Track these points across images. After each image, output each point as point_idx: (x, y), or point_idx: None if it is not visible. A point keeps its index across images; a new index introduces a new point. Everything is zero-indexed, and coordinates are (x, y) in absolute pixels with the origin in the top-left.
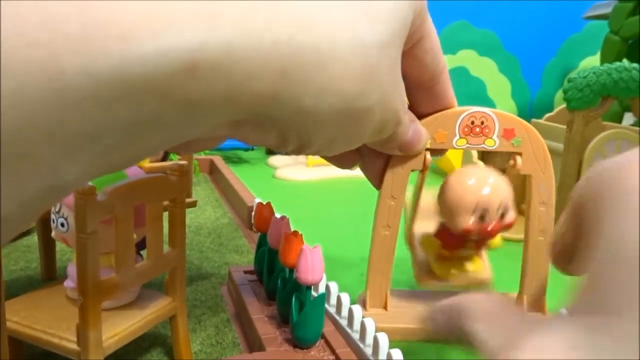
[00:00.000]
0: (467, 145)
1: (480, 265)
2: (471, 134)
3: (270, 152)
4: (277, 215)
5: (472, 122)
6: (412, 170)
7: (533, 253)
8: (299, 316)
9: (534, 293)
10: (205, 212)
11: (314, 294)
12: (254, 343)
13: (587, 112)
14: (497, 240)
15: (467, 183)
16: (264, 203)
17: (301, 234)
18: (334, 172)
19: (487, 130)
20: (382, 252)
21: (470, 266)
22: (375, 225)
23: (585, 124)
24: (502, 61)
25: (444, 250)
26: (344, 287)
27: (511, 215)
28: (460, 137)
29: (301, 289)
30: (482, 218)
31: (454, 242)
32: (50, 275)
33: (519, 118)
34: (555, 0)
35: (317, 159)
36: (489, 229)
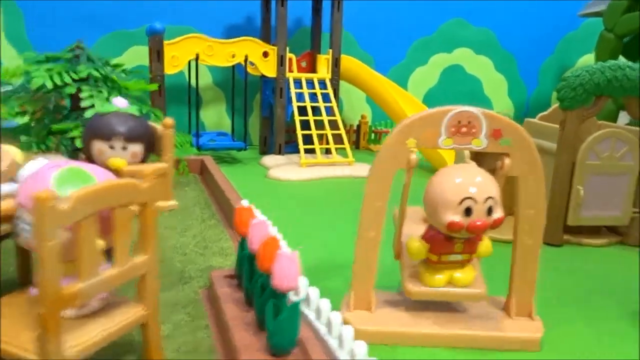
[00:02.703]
0: (454, 145)
1: (471, 274)
2: (458, 134)
3: (264, 152)
4: (257, 219)
5: (459, 122)
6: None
7: (521, 256)
8: (274, 323)
9: (522, 296)
10: (193, 213)
11: (294, 299)
12: (230, 350)
13: (581, 112)
14: (486, 247)
15: (453, 179)
16: (246, 206)
17: (279, 239)
18: (326, 172)
19: (474, 131)
20: (366, 253)
21: (460, 274)
22: (360, 226)
23: (579, 124)
24: (499, 59)
25: (432, 255)
26: (331, 289)
27: (499, 213)
28: (447, 137)
29: (278, 296)
30: (468, 213)
31: (442, 245)
32: (25, 280)
33: (508, 118)
34: None
35: (311, 158)
36: (477, 224)
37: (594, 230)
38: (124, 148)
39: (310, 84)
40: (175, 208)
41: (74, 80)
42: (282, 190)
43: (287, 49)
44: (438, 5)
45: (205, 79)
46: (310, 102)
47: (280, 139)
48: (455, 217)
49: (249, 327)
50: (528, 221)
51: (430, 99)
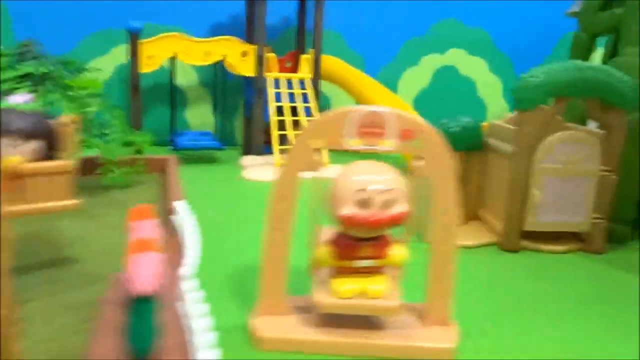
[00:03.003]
0: (362, 146)
1: (381, 282)
2: (367, 135)
3: (247, 151)
4: (138, 221)
5: (372, 122)
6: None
7: (437, 262)
8: (128, 327)
9: (438, 304)
10: None
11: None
12: (90, 355)
13: (539, 113)
14: (399, 255)
15: (350, 172)
16: (142, 206)
17: (152, 241)
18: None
19: (382, 131)
20: (273, 256)
21: (373, 285)
22: (266, 227)
23: (537, 126)
24: (494, 60)
25: (340, 261)
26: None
27: (400, 208)
28: (354, 137)
29: (137, 299)
30: (364, 206)
31: (347, 248)
32: None
33: (421, 120)
34: None
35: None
36: (373, 219)
37: (554, 236)
38: (17, 146)
39: (290, 84)
40: (74, 208)
41: (11, 77)
42: (250, 191)
43: (268, 48)
44: (430, 4)
45: (191, 78)
46: (289, 102)
47: (258, 139)
48: (350, 209)
49: (119, 332)
50: (442, 226)
51: (421, 101)
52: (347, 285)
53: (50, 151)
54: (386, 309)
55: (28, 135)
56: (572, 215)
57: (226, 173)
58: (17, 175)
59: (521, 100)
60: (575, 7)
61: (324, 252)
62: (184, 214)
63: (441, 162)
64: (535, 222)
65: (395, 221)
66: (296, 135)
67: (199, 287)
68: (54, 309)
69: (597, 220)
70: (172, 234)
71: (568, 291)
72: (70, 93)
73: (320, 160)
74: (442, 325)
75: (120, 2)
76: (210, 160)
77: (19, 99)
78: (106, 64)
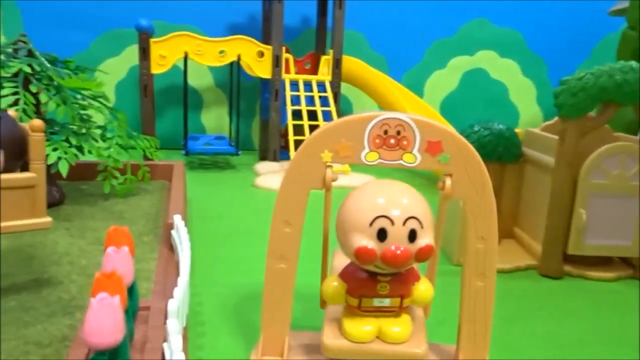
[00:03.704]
0: (380, 160)
1: (406, 327)
2: (384, 147)
3: (263, 157)
4: (112, 249)
5: (386, 132)
6: (312, 190)
7: (471, 302)
8: None
9: (472, 351)
10: (134, 225)
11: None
12: None
13: (584, 121)
14: (423, 291)
15: (366, 195)
16: (118, 229)
17: (118, 276)
18: None
19: (404, 143)
20: (277, 288)
21: (392, 327)
22: (268, 256)
23: (581, 135)
24: (527, 62)
25: (351, 298)
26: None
27: (426, 240)
28: (371, 150)
29: (94, 353)
30: (382, 237)
31: (362, 284)
32: None
33: (449, 128)
34: None
35: None
36: (394, 251)
37: (601, 261)
38: None
39: (309, 86)
40: (47, 227)
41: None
42: (261, 200)
43: (285, 48)
44: (459, 4)
45: (207, 80)
46: (307, 105)
47: (274, 144)
48: (365, 241)
49: None
50: (477, 258)
51: (448, 105)
52: (362, 327)
53: (15, 161)
54: (407, 355)
55: None
56: (621, 238)
57: (239, 180)
58: None
59: (564, 106)
60: (620, 4)
61: (336, 287)
62: (181, 231)
63: (476, 180)
64: (580, 245)
65: (420, 257)
66: (301, 146)
67: (196, 316)
68: (20, 346)
69: None
70: (172, 250)
71: (621, 326)
72: (64, 94)
73: (333, 177)
74: None
75: (133, 2)
76: (225, 166)
77: None
78: (119, 65)
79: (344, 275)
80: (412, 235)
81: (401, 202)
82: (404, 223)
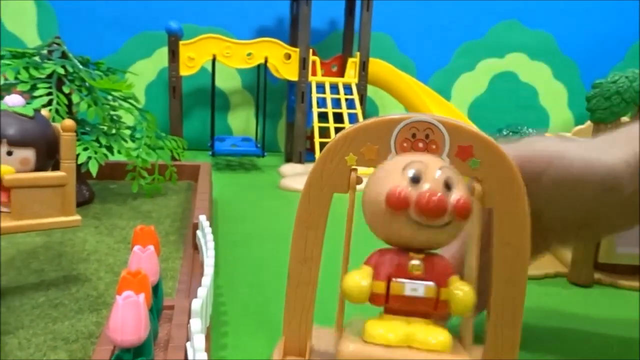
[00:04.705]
0: None
1: (446, 338)
2: (412, 151)
3: (288, 159)
4: (139, 248)
5: (414, 135)
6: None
7: (499, 311)
8: None
9: (501, 352)
10: (160, 225)
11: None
12: None
13: (616, 126)
14: (466, 295)
15: (394, 160)
16: (145, 228)
17: (145, 275)
18: None
19: (433, 147)
20: (299, 290)
21: (428, 332)
22: (291, 259)
23: None
24: (558, 66)
25: (378, 284)
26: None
27: (460, 195)
28: (398, 154)
29: (123, 350)
30: (416, 180)
31: (390, 259)
32: None
33: (480, 132)
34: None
35: None
36: (430, 196)
37: (632, 270)
38: (9, 153)
39: (335, 88)
40: (76, 225)
41: (35, 77)
42: (285, 201)
43: (312, 50)
44: (489, 5)
45: (234, 82)
46: (333, 108)
47: (300, 146)
48: (400, 182)
49: None
50: (507, 265)
51: (477, 109)
52: (388, 330)
53: (47, 160)
54: None
55: (21, 142)
56: None
57: (264, 181)
58: (4, 188)
59: (597, 110)
60: None
61: (359, 272)
62: (206, 231)
63: (507, 186)
64: (611, 253)
65: (458, 211)
66: (324, 149)
67: (219, 316)
68: (48, 342)
69: None
70: (197, 250)
71: None
72: (95, 95)
73: (357, 180)
74: None
75: (163, 4)
76: (250, 168)
77: (13, 101)
78: (149, 67)
79: (370, 260)
80: (448, 186)
81: (433, 157)
82: (439, 169)
